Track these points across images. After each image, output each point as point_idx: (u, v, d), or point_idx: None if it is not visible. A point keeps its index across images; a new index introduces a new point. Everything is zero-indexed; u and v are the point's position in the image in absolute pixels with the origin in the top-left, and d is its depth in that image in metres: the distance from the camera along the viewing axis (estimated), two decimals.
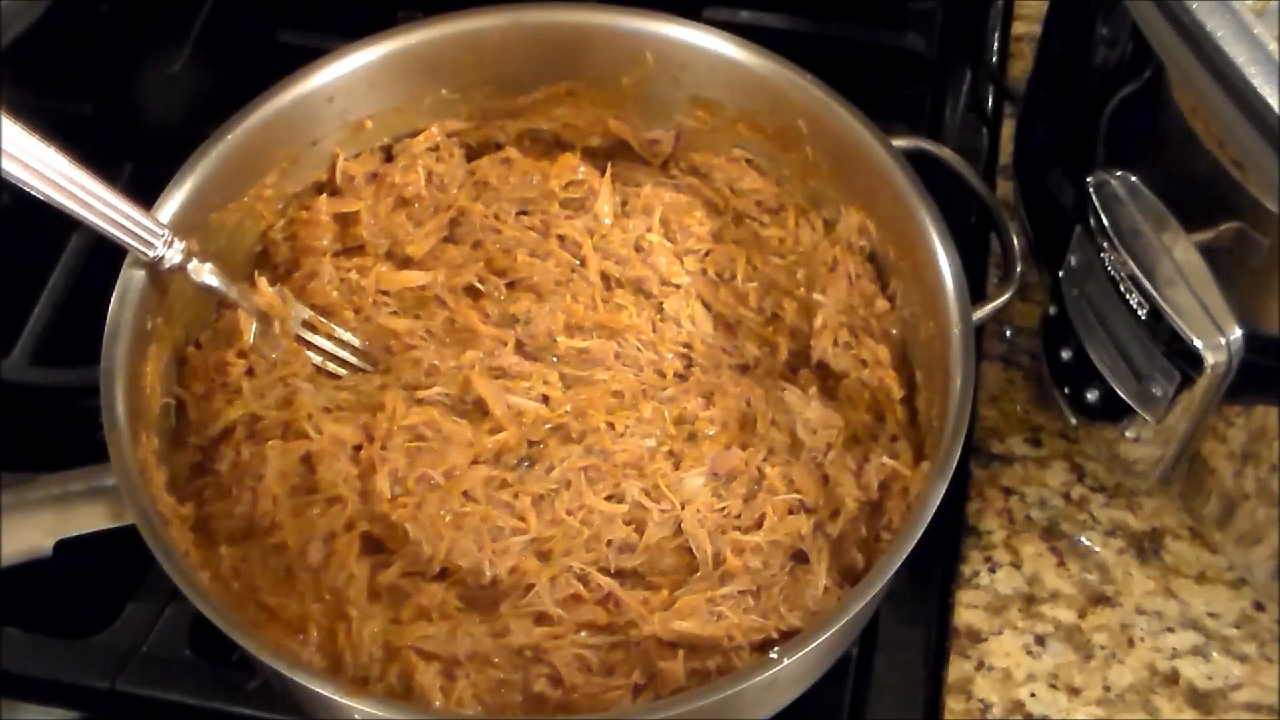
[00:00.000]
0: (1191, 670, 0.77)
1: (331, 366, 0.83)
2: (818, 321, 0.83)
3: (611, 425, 0.80)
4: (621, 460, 0.78)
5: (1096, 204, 0.71)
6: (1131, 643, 0.78)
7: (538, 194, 0.89)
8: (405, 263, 0.87)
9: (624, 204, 0.89)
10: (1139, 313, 0.70)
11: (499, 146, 0.92)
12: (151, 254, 0.75)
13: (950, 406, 0.73)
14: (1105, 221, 0.71)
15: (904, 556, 0.68)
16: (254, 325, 0.81)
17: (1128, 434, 0.76)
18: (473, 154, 0.92)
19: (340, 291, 0.85)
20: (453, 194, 0.90)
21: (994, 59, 1.03)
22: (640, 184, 0.90)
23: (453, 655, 0.72)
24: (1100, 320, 0.74)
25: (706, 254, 0.88)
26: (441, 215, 0.89)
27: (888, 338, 0.83)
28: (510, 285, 0.86)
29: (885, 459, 0.77)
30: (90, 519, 0.71)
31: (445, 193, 0.90)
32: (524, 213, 0.89)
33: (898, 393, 0.81)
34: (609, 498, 0.78)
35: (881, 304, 0.84)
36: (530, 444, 0.80)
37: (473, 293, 0.86)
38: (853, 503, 0.77)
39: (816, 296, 0.84)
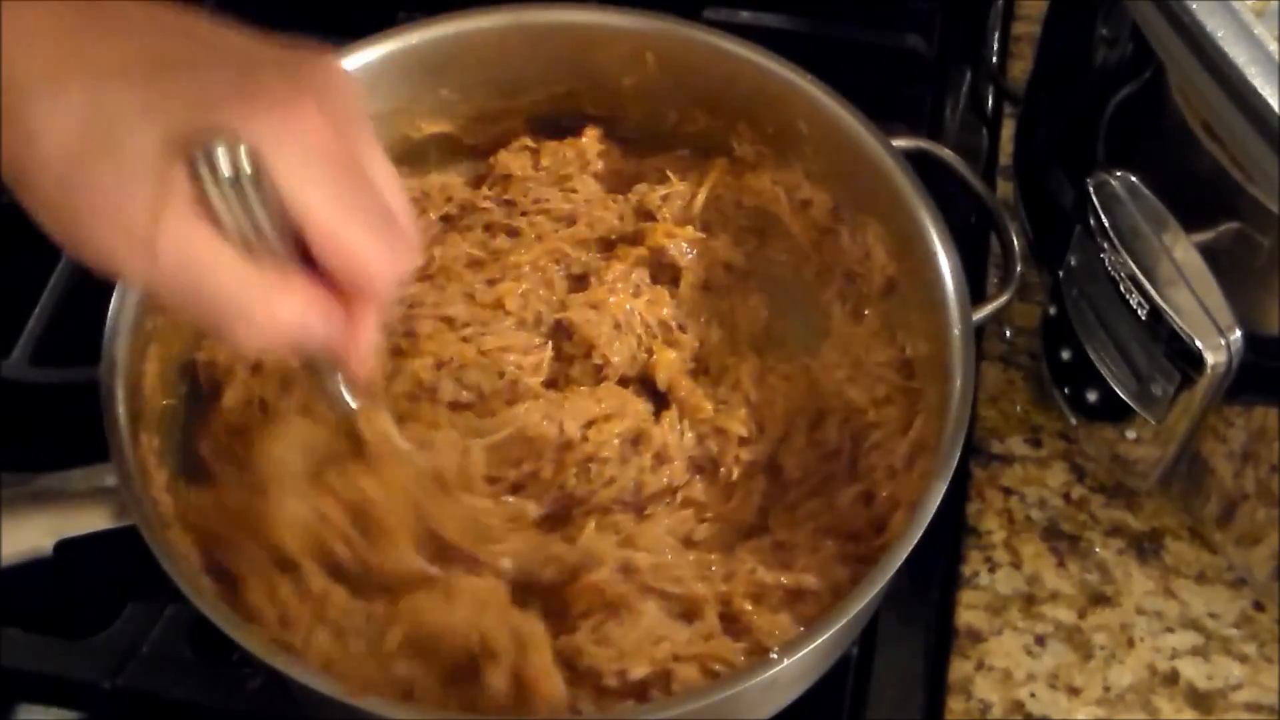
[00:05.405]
0: (1191, 670, 0.77)
1: None
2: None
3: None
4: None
5: (1096, 204, 0.71)
6: (1131, 643, 0.78)
7: (574, 169, 0.89)
8: None
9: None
10: (1139, 313, 0.70)
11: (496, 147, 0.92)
12: None
13: (950, 407, 0.73)
14: (1105, 221, 0.71)
15: (904, 556, 0.68)
16: None
17: (1128, 434, 0.76)
18: (473, 152, 0.92)
19: None
20: (453, 187, 0.90)
21: (994, 59, 1.03)
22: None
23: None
24: (1100, 320, 0.74)
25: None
26: (439, 204, 0.88)
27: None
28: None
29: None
30: (90, 519, 0.71)
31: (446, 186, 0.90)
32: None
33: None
34: None
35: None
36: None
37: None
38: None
39: None
